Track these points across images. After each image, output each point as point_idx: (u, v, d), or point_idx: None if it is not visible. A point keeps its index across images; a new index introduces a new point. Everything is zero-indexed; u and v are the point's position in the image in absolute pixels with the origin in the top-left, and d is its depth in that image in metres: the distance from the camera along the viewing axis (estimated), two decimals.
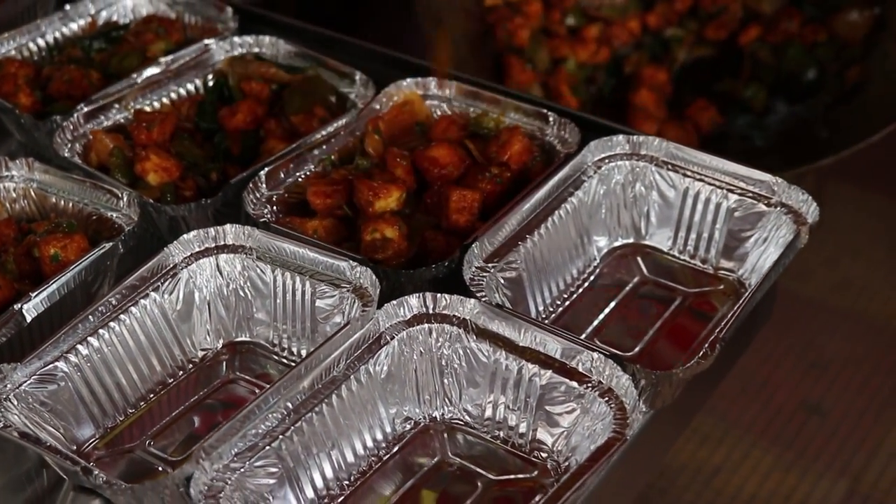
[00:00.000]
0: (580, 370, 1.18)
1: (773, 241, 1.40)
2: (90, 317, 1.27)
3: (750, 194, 1.43)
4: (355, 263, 1.27)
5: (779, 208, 1.40)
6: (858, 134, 2.06)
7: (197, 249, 1.35)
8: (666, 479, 2.73)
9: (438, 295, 1.25)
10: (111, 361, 1.28)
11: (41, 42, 1.89)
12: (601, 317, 1.41)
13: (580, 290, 1.45)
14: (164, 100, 1.72)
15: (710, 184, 1.46)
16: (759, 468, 2.74)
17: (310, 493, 1.17)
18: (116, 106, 1.67)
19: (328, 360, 1.18)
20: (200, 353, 1.36)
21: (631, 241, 1.52)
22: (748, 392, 2.95)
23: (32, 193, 1.52)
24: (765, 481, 2.71)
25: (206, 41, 1.80)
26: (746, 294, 1.28)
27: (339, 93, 1.70)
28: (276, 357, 1.34)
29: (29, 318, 1.28)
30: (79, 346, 1.25)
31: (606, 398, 1.15)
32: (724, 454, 2.79)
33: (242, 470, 1.11)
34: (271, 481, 1.13)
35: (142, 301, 1.31)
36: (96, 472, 1.09)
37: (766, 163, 1.89)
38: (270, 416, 1.14)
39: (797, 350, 3.06)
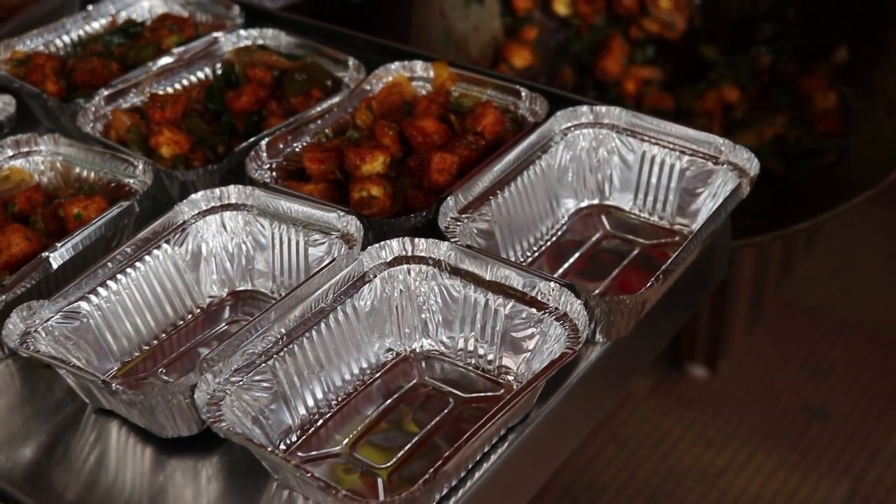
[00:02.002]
0: (539, 299, 1.34)
1: (722, 195, 1.55)
2: (109, 264, 1.44)
3: (700, 155, 1.59)
4: (343, 213, 1.44)
5: (725, 166, 1.56)
6: (837, 198, 2.17)
7: (204, 208, 1.52)
8: (671, 481, 2.84)
9: (416, 239, 1.41)
10: (127, 303, 1.44)
11: (66, 38, 2.08)
12: (566, 265, 1.56)
13: (548, 243, 1.61)
14: (177, 85, 1.90)
15: (665, 147, 1.62)
16: (763, 470, 2.84)
17: (301, 410, 1.33)
18: (134, 90, 1.85)
19: (318, 293, 1.35)
20: (207, 300, 1.52)
21: (596, 202, 1.67)
22: (752, 397, 3.05)
23: (58, 165, 1.69)
24: (768, 482, 2.80)
25: (215, 34, 1.98)
26: (691, 236, 1.43)
27: (335, 77, 1.87)
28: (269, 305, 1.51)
29: (55, 265, 1.45)
30: (99, 289, 1.42)
31: (562, 321, 1.31)
32: (729, 457, 2.89)
33: (241, 383, 1.27)
34: (267, 395, 1.29)
35: (154, 251, 1.48)
36: (115, 385, 1.26)
37: (747, 226, 2.02)
38: (266, 337, 1.30)
39: (800, 356, 3.16)
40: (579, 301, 1.31)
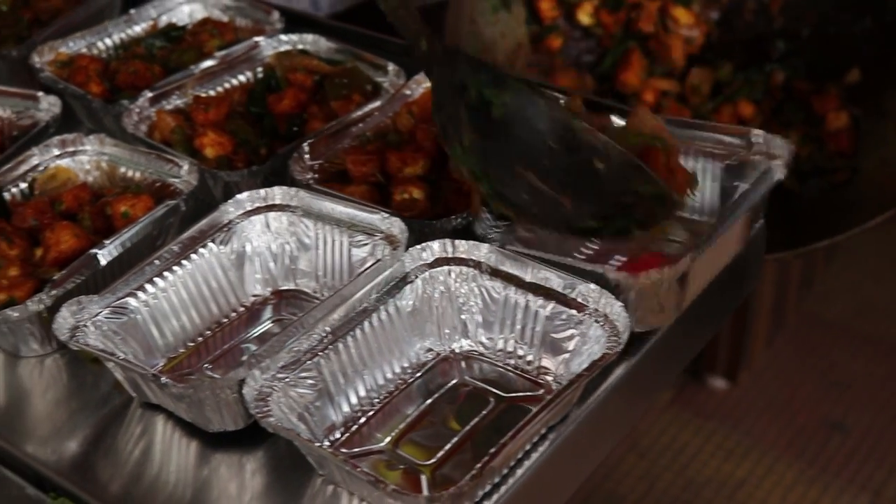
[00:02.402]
0: (579, 300, 1.36)
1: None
2: (156, 261, 1.47)
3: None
4: (386, 215, 1.47)
5: (762, 156, 1.55)
6: (849, 217, 2.19)
7: (249, 208, 1.55)
8: (690, 491, 2.86)
9: (457, 241, 1.44)
10: (174, 300, 1.47)
11: (108, 41, 2.11)
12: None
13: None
14: (219, 88, 1.93)
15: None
16: (783, 482, 2.84)
17: (345, 407, 1.35)
18: (177, 93, 1.88)
19: (361, 293, 1.37)
20: (251, 299, 1.55)
21: None
22: (772, 409, 3.06)
23: (104, 165, 1.73)
24: (787, 494, 2.81)
25: (256, 38, 2.01)
26: (732, 209, 1.44)
27: (374, 82, 1.90)
28: (317, 302, 1.52)
29: (103, 262, 1.48)
30: (146, 285, 1.45)
31: (602, 323, 1.33)
32: (748, 469, 2.90)
33: (287, 380, 1.29)
34: (312, 393, 1.31)
35: (200, 250, 1.50)
36: (164, 378, 1.28)
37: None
38: (311, 335, 1.32)
39: (820, 370, 3.17)
40: (619, 303, 1.33)
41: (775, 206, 1.65)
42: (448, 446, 1.30)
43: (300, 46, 2.01)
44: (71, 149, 1.73)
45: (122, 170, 1.71)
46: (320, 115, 1.84)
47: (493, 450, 1.18)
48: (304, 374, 1.31)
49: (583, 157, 1.34)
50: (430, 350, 1.43)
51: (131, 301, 1.44)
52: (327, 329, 1.34)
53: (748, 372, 3.11)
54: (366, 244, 1.48)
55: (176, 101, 1.87)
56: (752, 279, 1.72)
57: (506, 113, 1.37)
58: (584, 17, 2.67)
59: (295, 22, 2.14)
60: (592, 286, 1.35)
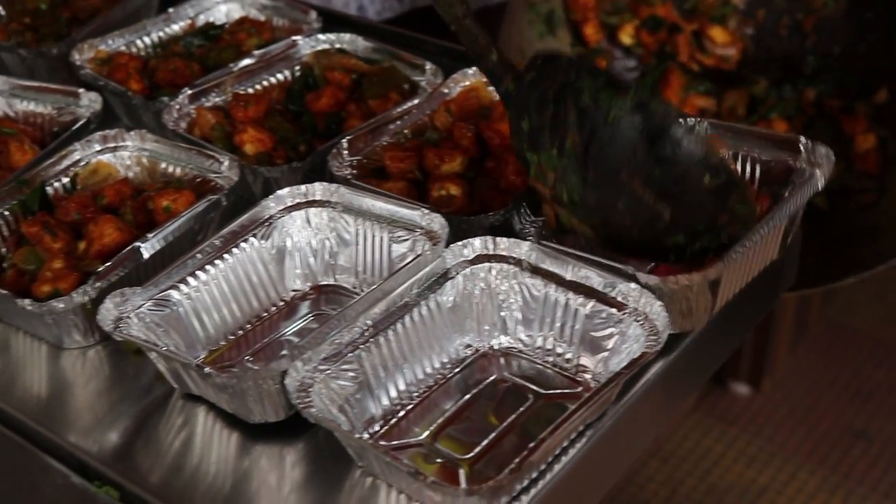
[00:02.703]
0: (619, 299, 1.36)
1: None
2: (198, 255, 1.48)
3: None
4: (427, 211, 1.48)
5: (805, 164, 1.55)
6: (878, 249, 2.18)
7: (290, 203, 1.56)
8: (713, 497, 2.85)
9: (498, 238, 1.45)
10: (215, 293, 1.49)
11: (147, 40, 2.14)
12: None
13: None
14: (257, 86, 1.95)
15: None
16: (805, 490, 2.83)
17: (384, 400, 1.36)
18: (216, 90, 1.90)
19: (402, 287, 1.38)
20: (290, 293, 1.56)
21: None
22: (795, 416, 3.05)
23: (144, 161, 1.75)
24: (810, 502, 2.80)
25: (294, 37, 2.03)
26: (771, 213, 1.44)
27: (412, 81, 1.92)
28: (356, 298, 1.53)
29: (146, 255, 1.50)
30: (189, 278, 1.47)
31: (641, 322, 1.33)
32: (771, 475, 2.89)
33: (329, 372, 1.30)
34: (353, 385, 1.33)
35: (242, 244, 1.52)
36: (207, 369, 1.30)
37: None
38: (353, 328, 1.34)
39: (844, 378, 3.16)
40: (659, 302, 1.34)
41: (803, 228, 1.65)
42: (486, 441, 1.31)
43: (338, 45, 2.03)
44: (112, 144, 1.75)
45: (163, 165, 1.73)
46: (358, 113, 1.86)
47: (531, 445, 1.19)
48: (345, 367, 1.32)
49: (694, 169, 1.34)
50: (469, 346, 1.44)
51: (174, 294, 1.45)
52: (368, 322, 1.35)
53: (771, 378, 3.10)
54: (406, 240, 1.49)
55: (215, 99, 1.89)
56: (786, 285, 1.73)
57: (622, 118, 1.37)
58: (626, 37, 2.70)
59: (332, 21, 2.16)
60: (633, 285, 1.36)
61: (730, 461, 2.95)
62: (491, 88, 1.86)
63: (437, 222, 1.46)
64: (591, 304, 1.38)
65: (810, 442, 2.99)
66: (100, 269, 1.46)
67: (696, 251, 1.39)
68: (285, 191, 1.56)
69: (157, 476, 1.32)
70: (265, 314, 1.54)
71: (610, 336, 1.37)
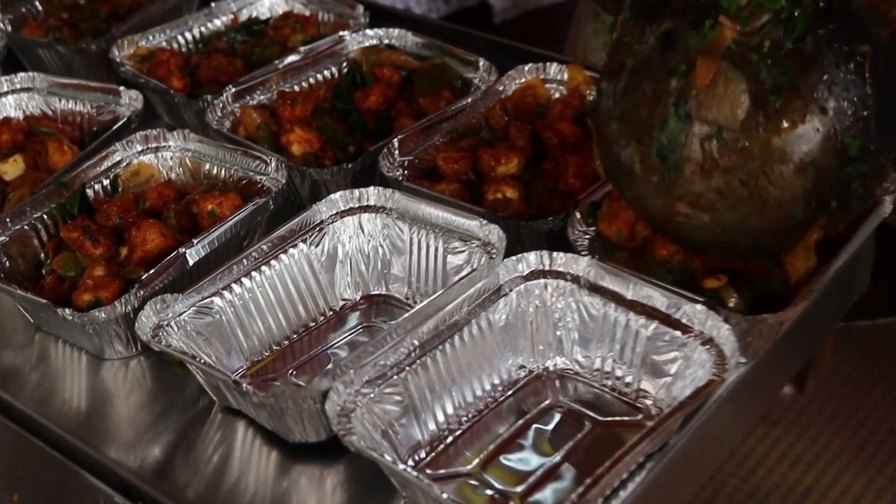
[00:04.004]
0: (684, 321, 1.28)
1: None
2: (244, 260, 1.42)
3: None
4: (485, 221, 1.40)
5: None
6: None
7: (342, 208, 1.50)
8: (756, 498, 2.76)
9: (554, 253, 1.37)
10: (260, 301, 1.43)
11: (188, 35, 2.08)
12: None
13: None
14: (303, 84, 1.89)
15: None
16: (850, 492, 2.74)
17: (431, 425, 1.29)
18: (260, 88, 1.84)
19: (452, 304, 1.31)
20: (340, 302, 1.50)
21: None
22: (839, 418, 2.96)
23: (187, 162, 1.69)
24: None
25: (341, 33, 1.96)
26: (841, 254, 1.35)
27: (464, 78, 1.84)
28: (408, 309, 1.47)
29: (191, 262, 1.45)
30: (233, 285, 1.41)
31: (707, 346, 1.25)
32: (815, 476, 2.80)
33: (372, 395, 1.24)
34: (397, 409, 1.26)
35: (290, 250, 1.46)
36: (245, 385, 1.24)
37: None
38: (398, 349, 1.27)
39: (889, 378, 3.06)
40: (727, 325, 1.26)
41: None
42: (540, 472, 1.24)
43: (386, 41, 1.96)
44: (154, 144, 1.70)
45: (207, 167, 1.67)
46: (408, 111, 1.79)
47: (589, 480, 1.11)
48: (389, 390, 1.26)
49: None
50: (522, 367, 1.37)
51: (217, 301, 1.40)
52: (415, 343, 1.29)
53: (815, 379, 3.02)
54: (462, 251, 1.42)
55: (260, 97, 1.84)
56: (857, 294, 1.64)
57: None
58: None
59: (380, 16, 2.09)
60: (699, 307, 1.28)
61: (773, 462, 2.86)
62: (548, 86, 1.78)
63: (494, 234, 1.39)
64: (653, 325, 1.30)
65: (855, 444, 2.89)
66: (143, 276, 1.41)
67: (823, 224, 1.28)
68: (337, 195, 1.50)
69: (192, 492, 1.27)
70: (312, 324, 1.48)
71: (673, 360, 1.29)
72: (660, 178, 1.28)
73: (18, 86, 1.89)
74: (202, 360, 1.31)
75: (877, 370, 3.04)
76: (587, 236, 1.43)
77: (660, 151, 1.27)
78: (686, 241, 1.34)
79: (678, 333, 1.28)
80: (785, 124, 1.21)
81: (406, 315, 1.29)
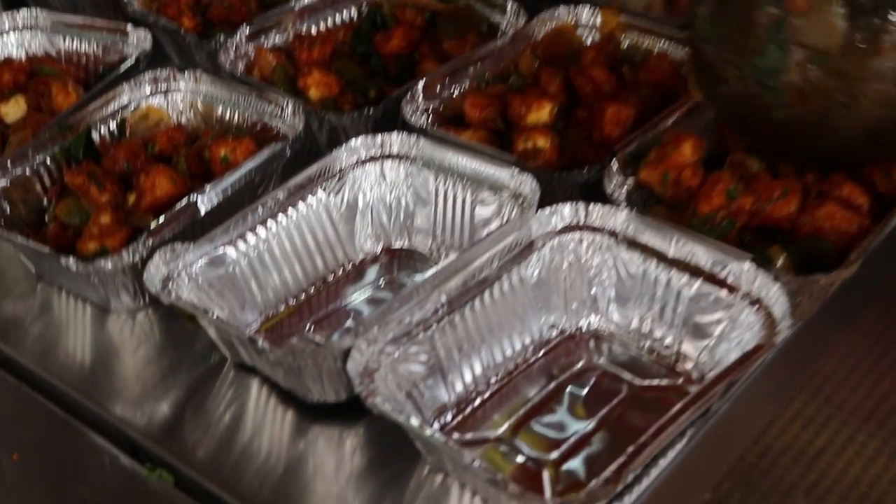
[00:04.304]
0: (730, 281, 1.20)
1: None
2: (259, 209, 1.34)
3: None
4: (517, 170, 1.31)
5: None
6: None
7: (363, 156, 1.41)
8: (768, 459, 2.71)
9: (591, 204, 1.28)
10: (276, 252, 1.35)
11: None
12: None
13: None
14: (321, 25, 1.79)
15: None
16: (864, 452, 2.70)
17: (458, 387, 1.21)
18: (276, 29, 1.75)
19: (482, 259, 1.23)
20: (360, 255, 1.42)
21: None
22: (853, 378, 2.90)
23: (199, 104, 1.60)
24: (869, 466, 2.66)
25: None
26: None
27: (491, 21, 1.74)
28: (432, 263, 1.39)
29: (203, 210, 1.36)
30: (247, 235, 1.33)
31: (756, 307, 1.17)
32: (828, 437, 2.76)
33: (396, 355, 1.16)
34: (423, 369, 1.18)
35: (309, 199, 1.37)
36: (260, 341, 1.16)
37: None
38: (425, 305, 1.19)
39: None
40: (777, 284, 1.17)
41: None
42: (574, 438, 1.16)
43: None
44: (164, 86, 1.60)
45: (220, 110, 1.58)
46: (432, 55, 1.69)
47: (631, 450, 1.03)
48: (415, 349, 1.18)
49: None
50: (554, 326, 1.29)
51: (230, 251, 1.31)
52: (443, 298, 1.20)
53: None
54: (491, 202, 1.33)
55: (275, 38, 1.74)
56: None
57: None
58: None
59: None
60: (747, 265, 1.19)
61: (786, 422, 2.81)
62: (580, 31, 1.68)
63: (527, 184, 1.30)
64: (696, 283, 1.22)
65: (869, 405, 2.85)
66: (152, 224, 1.32)
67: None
68: (358, 141, 1.41)
69: (202, 452, 1.20)
70: (331, 277, 1.39)
71: (718, 322, 1.21)
72: (760, 101, 1.28)
73: (21, 23, 1.80)
74: (214, 315, 1.23)
75: (891, 332, 2.97)
76: (625, 188, 1.34)
77: (758, 76, 1.26)
78: (782, 152, 1.35)
79: (724, 293, 1.20)
80: (884, 44, 1.20)
81: (433, 270, 1.20)
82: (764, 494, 2.36)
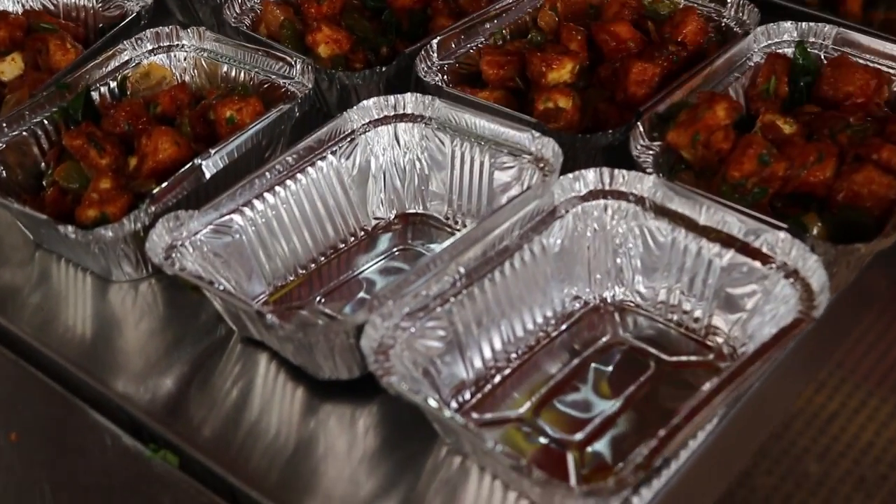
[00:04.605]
0: (764, 250, 1.13)
1: None
2: (267, 173, 1.27)
3: None
4: (538, 133, 1.24)
5: None
6: None
7: (375, 117, 1.34)
8: (779, 423, 2.67)
9: (616, 170, 1.21)
10: (284, 220, 1.28)
11: None
12: None
13: None
14: None
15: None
16: (877, 416, 2.67)
17: (477, 363, 1.15)
18: None
19: (502, 228, 1.16)
20: (373, 222, 1.35)
21: None
22: (865, 342, 2.86)
23: (203, 63, 1.53)
24: (882, 430, 2.63)
25: None
26: None
27: None
28: (448, 230, 1.33)
29: (208, 174, 1.30)
30: (254, 201, 1.26)
31: (791, 280, 1.10)
32: (841, 401, 2.73)
33: (413, 330, 1.09)
34: (440, 345, 1.12)
35: (318, 163, 1.30)
36: (268, 316, 1.10)
37: None
38: (442, 278, 1.12)
39: None
40: (815, 256, 1.10)
41: None
42: (599, 419, 1.10)
43: None
44: (166, 43, 1.53)
45: (225, 69, 1.51)
46: (445, 10, 1.61)
47: (662, 433, 0.97)
48: (432, 323, 1.11)
49: None
50: (577, 297, 1.22)
51: (236, 219, 1.25)
52: (461, 270, 1.14)
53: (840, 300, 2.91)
54: (511, 167, 1.26)
55: None
56: None
57: None
58: None
59: None
60: (782, 235, 1.12)
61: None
62: None
63: (549, 148, 1.22)
64: (728, 254, 1.15)
65: (882, 368, 2.80)
66: (154, 190, 1.26)
67: None
68: (370, 102, 1.33)
69: (208, 430, 1.15)
70: (342, 246, 1.33)
71: (751, 294, 1.14)
72: None
73: None
74: (221, 287, 1.17)
75: None
76: (651, 152, 1.27)
77: None
78: None
79: (757, 264, 1.13)
80: None
81: (451, 240, 1.14)
82: (776, 459, 2.31)
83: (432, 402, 1.00)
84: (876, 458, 2.69)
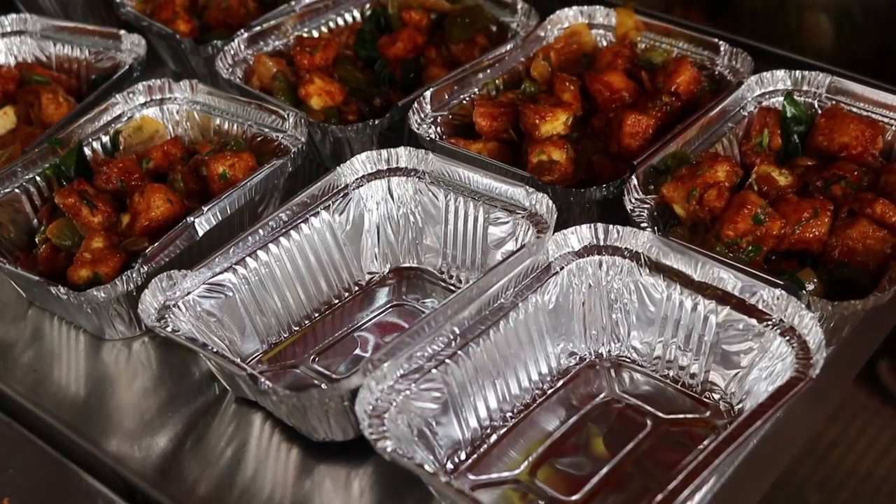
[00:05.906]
0: (760, 307, 1.13)
1: None
2: (260, 230, 1.27)
3: None
4: (532, 189, 1.24)
5: None
6: None
7: (368, 171, 1.34)
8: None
9: (610, 226, 1.21)
10: (278, 277, 1.28)
11: None
12: None
13: None
14: (323, 28, 1.72)
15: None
16: (876, 445, 2.63)
17: (473, 423, 1.15)
18: (275, 32, 1.68)
19: (497, 286, 1.16)
20: (367, 276, 1.35)
21: None
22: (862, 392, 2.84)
23: (196, 116, 1.53)
24: (883, 458, 2.60)
25: None
26: None
27: (500, 22, 1.67)
28: (442, 284, 1.32)
29: (201, 232, 1.29)
30: (248, 259, 1.26)
31: (788, 337, 1.10)
32: (840, 429, 2.69)
33: (408, 392, 1.09)
34: (435, 406, 1.11)
35: (311, 219, 1.30)
36: (262, 380, 1.09)
37: None
38: (437, 338, 1.12)
39: None
40: (811, 314, 1.10)
41: None
42: (596, 479, 1.09)
43: None
44: (158, 96, 1.53)
45: (217, 122, 1.51)
46: (439, 60, 1.62)
47: (661, 497, 0.96)
48: (426, 385, 1.11)
49: None
50: (573, 353, 1.22)
51: (230, 277, 1.24)
52: (456, 330, 1.13)
53: None
54: (505, 222, 1.26)
55: (275, 43, 1.67)
56: None
57: None
58: None
59: None
60: (777, 292, 1.12)
61: None
62: (594, 32, 1.60)
63: (543, 204, 1.22)
64: (724, 310, 1.15)
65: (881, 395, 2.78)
66: (147, 249, 1.26)
67: None
68: (363, 156, 1.33)
69: (203, 490, 1.14)
70: (336, 301, 1.32)
71: (747, 351, 1.14)
72: None
73: (9, 28, 1.73)
74: (214, 349, 1.16)
75: None
76: (646, 206, 1.27)
77: None
78: None
79: (753, 321, 1.13)
80: None
81: (447, 300, 1.13)
82: (776, 487, 2.29)
83: (427, 468, 1.00)
84: (875, 488, 2.66)
